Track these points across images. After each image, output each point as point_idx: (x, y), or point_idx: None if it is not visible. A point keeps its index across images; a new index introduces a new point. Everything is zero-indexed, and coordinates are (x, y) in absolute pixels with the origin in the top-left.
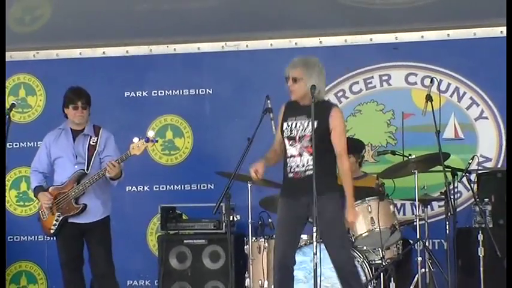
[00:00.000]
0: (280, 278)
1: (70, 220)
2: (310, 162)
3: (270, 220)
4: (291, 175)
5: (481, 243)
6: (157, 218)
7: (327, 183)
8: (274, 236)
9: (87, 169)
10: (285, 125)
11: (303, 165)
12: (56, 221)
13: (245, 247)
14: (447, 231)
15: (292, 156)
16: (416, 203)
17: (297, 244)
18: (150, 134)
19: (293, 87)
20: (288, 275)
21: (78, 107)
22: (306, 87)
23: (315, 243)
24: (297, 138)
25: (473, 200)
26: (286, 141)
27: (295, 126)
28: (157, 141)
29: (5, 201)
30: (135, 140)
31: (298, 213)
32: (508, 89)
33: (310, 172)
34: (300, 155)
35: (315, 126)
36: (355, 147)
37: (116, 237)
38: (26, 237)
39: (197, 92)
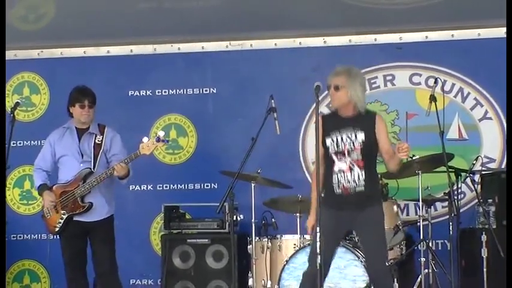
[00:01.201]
0: (309, 285)
1: (75, 218)
2: (362, 177)
3: (273, 220)
4: (339, 191)
5: (484, 244)
6: (161, 217)
7: (373, 197)
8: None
9: (94, 167)
10: (328, 140)
11: (354, 181)
12: (61, 219)
13: (248, 247)
14: (450, 231)
15: (341, 171)
16: (420, 203)
17: (333, 255)
18: (161, 134)
19: (335, 96)
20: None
21: (85, 106)
22: (347, 96)
23: (318, 243)
24: (346, 152)
25: (476, 200)
26: (333, 156)
27: (342, 139)
28: (168, 141)
29: (5, 201)
30: (145, 139)
31: (341, 225)
32: (508, 89)
33: (361, 188)
34: (351, 169)
35: (363, 138)
36: None
37: (119, 236)
38: (29, 235)
39: (201, 91)
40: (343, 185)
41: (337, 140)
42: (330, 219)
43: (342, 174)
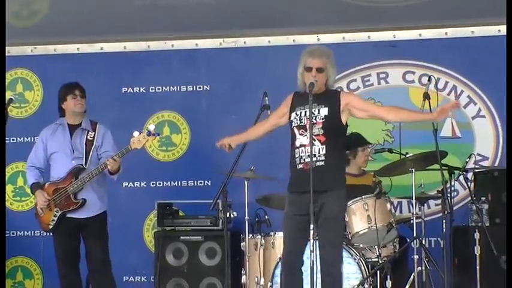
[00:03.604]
0: (286, 277)
1: (68, 215)
2: (322, 152)
3: (266, 217)
4: (300, 166)
5: (477, 241)
6: (154, 214)
7: (335, 178)
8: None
9: (85, 164)
10: (293, 115)
11: (314, 155)
12: (55, 216)
13: (241, 244)
14: (444, 229)
15: (302, 145)
16: (413, 201)
17: (305, 243)
18: (151, 127)
19: (318, 77)
20: (295, 274)
21: (77, 96)
22: (325, 78)
23: (311, 240)
24: (307, 126)
25: (470, 198)
26: (295, 131)
27: (305, 114)
28: (159, 134)
29: (4, 199)
30: (135, 134)
31: (306, 210)
32: (508, 88)
33: (321, 163)
34: (313, 143)
35: (326, 113)
36: (358, 141)
37: (113, 233)
38: (22, 232)
39: (194, 88)
40: (304, 160)
41: (300, 114)
42: (291, 205)
43: (303, 148)
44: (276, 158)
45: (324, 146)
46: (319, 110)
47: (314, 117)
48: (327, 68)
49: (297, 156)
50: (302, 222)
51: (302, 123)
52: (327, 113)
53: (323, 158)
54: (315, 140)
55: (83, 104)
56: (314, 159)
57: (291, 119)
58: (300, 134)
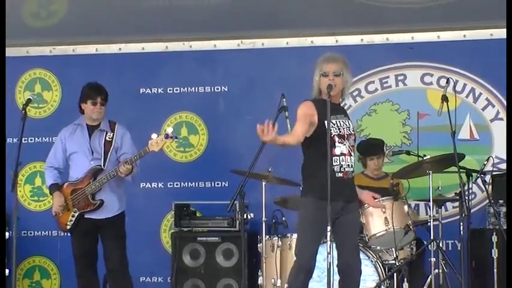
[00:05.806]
0: (303, 279)
1: (86, 216)
2: (354, 163)
3: (283, 218)
4: (340, 174)
5: (495, 244)
6: (171, 215)
7: (355, 189)
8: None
9: (104, 165)
10: (327, 122)
11: (351, 165)
12: (73, 216)
13: (258, 245)
14: (461, 232)
15: (342, 154)
16: (431, 203)
17: (317, 250)
18: (170, 130)
19: (335, 81)
20: (310, 276)
21: (97, 103)
22: (342, 84)
23: (328, 242)
24: (345, 136)
25: (487, 201)
26: (336, 138)
27: (340, 124)
28: (177, 137)
29: (4, 200)
30: (154, 136)
31: (335, 216)
32: (508, 89)
33: (353, 174)
34: (350, 154)
35: (353, 126)
36: (379, 147)
37: (130, 233)
38: (39, 232)
39: (212, 90)
40: (344, 169)
41: (336, 123)
42: (320, 211)
43: (344, 157)
44: (293, 159)
45: (354, 157)
46: (348, 122)
47: (348, 128)
48: (344, 73)
49: (335, 164)
50: (325, 228)
51: (341, 133)
52: (353, 126)
53: (352, 169)
54: (351, 150)
55: (102, 112)
56: (350, 169)
57: (326, 127)
58: (339, 143)
